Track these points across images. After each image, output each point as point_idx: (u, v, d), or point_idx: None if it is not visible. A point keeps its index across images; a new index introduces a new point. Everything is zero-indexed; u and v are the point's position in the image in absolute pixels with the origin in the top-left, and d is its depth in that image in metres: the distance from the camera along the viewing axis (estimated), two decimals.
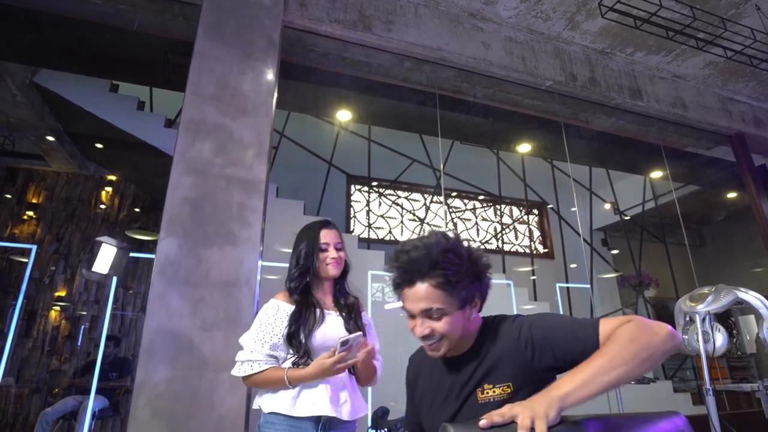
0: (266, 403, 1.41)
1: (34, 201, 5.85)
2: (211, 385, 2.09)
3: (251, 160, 2.54)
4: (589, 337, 0.91)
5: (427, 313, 0.98)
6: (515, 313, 1.67)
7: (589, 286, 5.97)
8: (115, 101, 4.47)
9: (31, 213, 5.79)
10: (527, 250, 6.70)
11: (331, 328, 1.49)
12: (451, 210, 6.54)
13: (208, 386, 2.09)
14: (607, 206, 7.07)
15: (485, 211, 6.76)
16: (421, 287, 0.97)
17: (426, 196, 6.43)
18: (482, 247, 6.39)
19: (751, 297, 2.66)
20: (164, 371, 2.04)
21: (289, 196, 4.46)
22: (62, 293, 5.57)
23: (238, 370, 1.43)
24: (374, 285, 3.93)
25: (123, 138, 4.47)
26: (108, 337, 4.55)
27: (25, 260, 5.42)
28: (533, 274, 6.40)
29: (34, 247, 5.06)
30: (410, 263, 0.98)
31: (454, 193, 6.55)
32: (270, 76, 2.78)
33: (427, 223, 6.24)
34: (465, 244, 1.03)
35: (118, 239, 3.69)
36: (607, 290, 6.88)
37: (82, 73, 4.34)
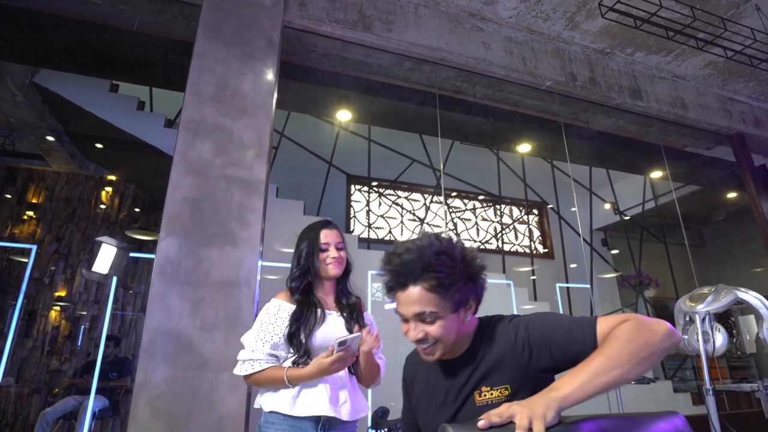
0: (267, 402, 1.43)
1: (34, 201, 5.86)
2: (211, 385, 2.09)
3: (251, 161, 2.54)
4: (587, 337, 0.91)
5: (421, 317, 0.97)
6: (515, 313, 1.66)
7: (589, 286, 5.97)
8: (115, 101, 4.48)
9: (31, 213, 5.79)
10: (527, 250, 6.70)
11: (331, 328, 1.49)
12: (451, 210, 6.54)
13: (208, 386, 2.09)
14: (607, 206, 7.07)
15: (485, 211, 6.76)
16: (414, 291, 0.96)
17: (426, 196, 6.43)
18: (482, 247, 6.40)
19: (751, 297, 2.66)
20: (164, 371, 2.05)
21: (289, 196, 4.46)
22: (62, 293, 5.57)
23: (240, 369, 1.44)
24: (374, 285, 3.93)
25: (123, 138, 4.47)
26: (108, 337, 4.55)
27: (25, 260, 5.42)
28: (533, 274, 6.40)
29: (34, 247, 5.06)
30: (402, 266, 0.97)
31: (454, 193, 6.55)
32: (270, 76, 2.78)
33: (427, 223, 6.24)
34: (459, 245, 1.01)
35: (118, 239, 3.70)
36: (607, 290, 6.88)
37: (82, 73, 4.34)
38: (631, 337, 0.84)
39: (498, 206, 6.81)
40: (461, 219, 6.56)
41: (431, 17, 3.55)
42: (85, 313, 5.61)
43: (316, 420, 1.40)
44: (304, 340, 1.44)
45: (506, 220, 6.86)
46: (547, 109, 4.27)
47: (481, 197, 6.72)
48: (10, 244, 5.57)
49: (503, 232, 6.67)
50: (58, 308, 5.51)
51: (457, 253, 0.99)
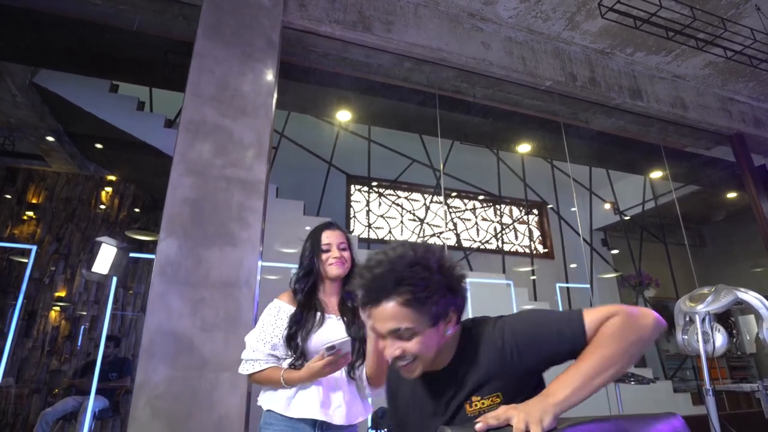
0: (266, 400, 1.47)
1: (34, 201, 5.86)
2: (211, 385, 2.09)
3: (251, 161, 2.54)
4: (576, 335, 0.90)
5: (396, 334, 0.90)
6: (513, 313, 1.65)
7: (589, 286, 5.98)
8: (115, 101, 4.48)
9: (31, 213, 5.80)
10: (527, 250, 6.70)
11: (329, 332, 1.50)
12: (451, 210, 6.54)
13: (208, 387, 2.09)
14: (607, 206, 7.07)
15: (485, 211, 6.76)
16: (388, 306, 0.89)
17: (426, 196, 6.43)
18: (482, 247, 6.40)
19: (751, 297, 2.66)
20: (164, 371, 2.05)
21: (289, 196, 4.46)
22: (62, 293, 5.57)
23: (241, 368, 1.50)
24: None
25: (123, 138, 4.47)
26: (108, 338, 4.55)
27: (25, 260, 5.42)
28: (533, 274, 6.41)
29: (34, 248, 5.05)
30: (374, 281, 0.90)
31: (454, 193, 6.55)
32: (270, 76, 2.78)
33: (427, 223, 6.25)
34: (436, 254, 0.94)
35: (118, 239, 3.69)
36: (607, 290, 6.88)
37: (82, 74, 4.35)
38: (622, 335, 0.85)
39: (498, 206, 6.81)
40: (461, 219, 6.56)
41: (431, 17, 3.55)
42: (85, 313, 5.62)
43: (313, 422, 1.42)
44: (301, 343, 1.46)
45: (506, 220, 6.86)
46: (547, 109, 4.27)
47: (481, 197, 6.72)
48: (10, 245, 5.57)
49: (503, 232, 6.67)
50: (58, 308, 5.51)
51: (432, 263, 0.92)
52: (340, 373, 1.47)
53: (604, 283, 6.88)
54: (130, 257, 3.94)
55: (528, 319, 0.97)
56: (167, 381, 2.04)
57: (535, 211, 7.08)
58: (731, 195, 6.67)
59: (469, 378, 0.95)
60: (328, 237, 1.58)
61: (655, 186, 6.70)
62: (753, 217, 4.57)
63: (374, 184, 6.15)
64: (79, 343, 5.46)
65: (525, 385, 0.94)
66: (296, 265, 1.62)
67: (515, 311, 4.43)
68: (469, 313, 1.05)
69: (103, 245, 3.45)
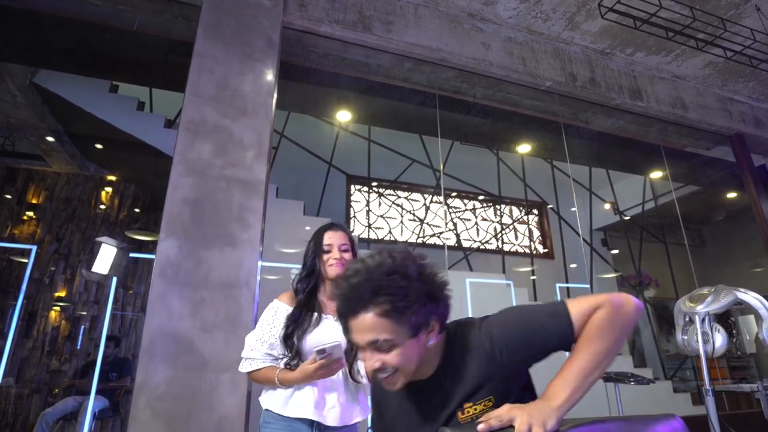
0: (265, 399, 1.50)
1: (34, 201, 5.86)
2: (211, 385, 2.10)
3: (251, 161, 2.54)
4: (563, 329, 0.90)
5: (375, 346, 0.87)
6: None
7: (589, 286, 5.97)
8: (115, 102, 4.48)
9: (31, 213, 5.79)
10: (527, 250, 6.70)
11: (324, 333, 1.50)
12: (450, 210, 6.54)
13: (208, 387, 2.09)
14: (607, 206, 7.07)
15: (485, 211, 6.76)
16: (366, 317, 0.85)
17: (426, 196, 6.43)
18: (482, 247, 6.40)
19: (751, 297, 2.66)
20: (164, 372, 2.05)
21: (289, 196, 4.46)
22: (62, 293, 5.57)
23: (240, 366, 1.53)
24: None
25: (123, 138, 4.47)
26: (108, 338, 4.55)
27: (25, 260, 5.42)
28: (533, 274, 6.41)
29: (34, 248, 5.05)
30: (351, 290, 0.87)
31: (453, 193, 6.55)
32: (270, 76, 2.78)
33: (427, 224, 6.25)
34: (416, 261, 0.91)
35: (118, 239, 3.69)
36: (607, 290, 6.84)
37: (82, 74, 4.34)
38: (612, 327, 0.88)
39: (498, 206, 6.81)
40: (461, 219, 6.56)
41: (431, 18, 3.55)
42: (85, 313, 5.62)
43: (309, 422, 1.44)
44: (296, 342, 1.48)
45: (506, 220, 6.86)
46: (547, 109, 4.27)
47: (481, 197, 6.72)
48: (10, 245, 5.57)
49: (503, 232, 6.67)
50: (58, 308, 5.51)
51: (412, 271, 0.89)
52: (337, 375, 1.48)
53: (604, 283, 6.88)
54: (130, 257, 3.93)
55: (514, 317, 0.96)
56: (167, 381, 2.04)
57: (535, 211, 7.08)
58: (731, 195, 6.67)
59: (459, 387, 0.92)
60: (330, 238, 1.59)
61: (655, 186, 6.70)
62: (753, 217, 4.57)
63: (374, 184, 6.15)
64: (79, 344, 5.46)
65: (514, 384, 0.94)
66: (296, 265, 1.64)
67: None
68: (469, 313, 1.04)
69: (103, 245, 3.45)
